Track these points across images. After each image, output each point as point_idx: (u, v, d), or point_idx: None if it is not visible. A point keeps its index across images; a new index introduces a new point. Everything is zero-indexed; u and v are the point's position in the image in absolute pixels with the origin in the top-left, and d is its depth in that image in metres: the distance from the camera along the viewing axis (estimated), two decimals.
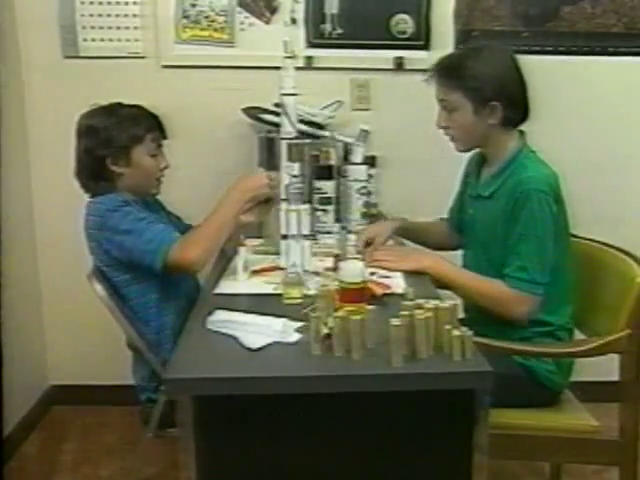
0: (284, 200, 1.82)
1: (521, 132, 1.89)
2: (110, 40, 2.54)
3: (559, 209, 1.79)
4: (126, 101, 1.91)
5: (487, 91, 1.79)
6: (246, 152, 2.54)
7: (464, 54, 1.86)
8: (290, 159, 1.80)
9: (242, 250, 1.84)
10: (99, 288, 1.79)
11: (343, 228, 2.21)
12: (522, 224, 1.76)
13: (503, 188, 1.83)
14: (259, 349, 1.40)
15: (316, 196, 2.29)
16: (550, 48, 2.59)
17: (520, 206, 1.76)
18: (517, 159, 1.85)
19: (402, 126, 2.61)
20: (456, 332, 1.35)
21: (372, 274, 1.81)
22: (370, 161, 2.34)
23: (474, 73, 1.79)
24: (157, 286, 1.84)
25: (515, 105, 1.83)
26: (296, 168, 1.80)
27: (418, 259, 1.87)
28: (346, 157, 2.37)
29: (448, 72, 1.83)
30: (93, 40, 2.54)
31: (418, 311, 1.36)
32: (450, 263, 1.87)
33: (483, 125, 1.83)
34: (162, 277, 1.80)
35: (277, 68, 1.82)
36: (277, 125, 2.00)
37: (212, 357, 1.39)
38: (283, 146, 1.84)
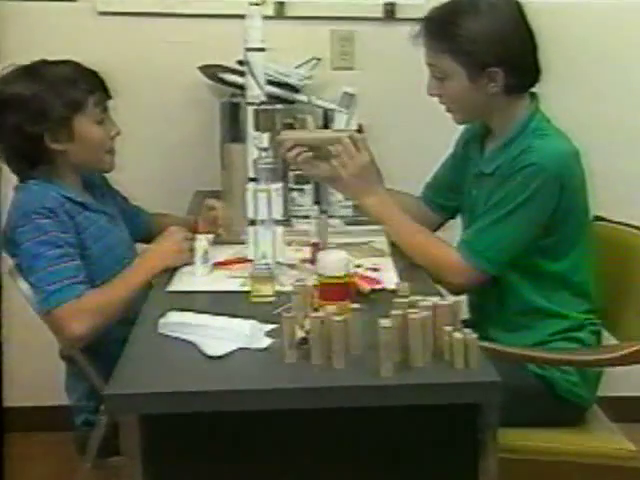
0: (252, 179, 1.83)
1: (532, 95, 1.92)
2: None
3: (570, 194, 1.82)
4: (52, 57, 1.89)
5: (484, 55, 1.81)
6: (205, 120, 2.56)
7: (457, 8, 1.85)
8: (258, 128, 1.81)
9: (200, 238, 1.85)
10: (23, 285, 1.81)
11: (323, 212, 2.21)
12: (502, 194, 1.81)
13: (507, 164, 1.85)
14: (222, 357, 1.40)
15: (291, 173, 2.30)
16: None
17: (510, 176, 1.80)
18: (527, 129, 1.87)
19: (393, 88, 2.64)
20: (458, 335, 1.36)
21: (358, 267, 1.83)
22: (355, 130, 2.33)
23: (468, 34, 1.80)
24: (95, 279, 1.85)
25: (520, 69, 1.85)
26: (265, 139, 1.81)
27: (361, 190, 1.92)
28: (326, 126, 2.39)
29: (436, 32, 1.84)
30: None
31: (412, 310, 1.37)
32: (397, 208, 1.92)
33: (481, 94, 1.85)
34: (100, 270, 1.82)
35: (241, 17, 1.83)
36: (242, 87, 2.00)
37: (164, 367, 1.40)
38: (249, 113, 1.85)
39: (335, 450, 1.36)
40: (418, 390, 1.33)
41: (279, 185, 1.81)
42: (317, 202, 2.34)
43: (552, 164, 1.79)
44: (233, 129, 2.30)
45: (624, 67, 2.70)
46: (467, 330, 1.38)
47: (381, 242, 2.06)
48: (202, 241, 1.84)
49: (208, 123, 2.49)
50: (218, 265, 1.87)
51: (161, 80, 2.60)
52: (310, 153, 1.96)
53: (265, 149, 1.81)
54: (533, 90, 1.91)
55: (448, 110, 1.92)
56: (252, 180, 1.82)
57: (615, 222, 2.05)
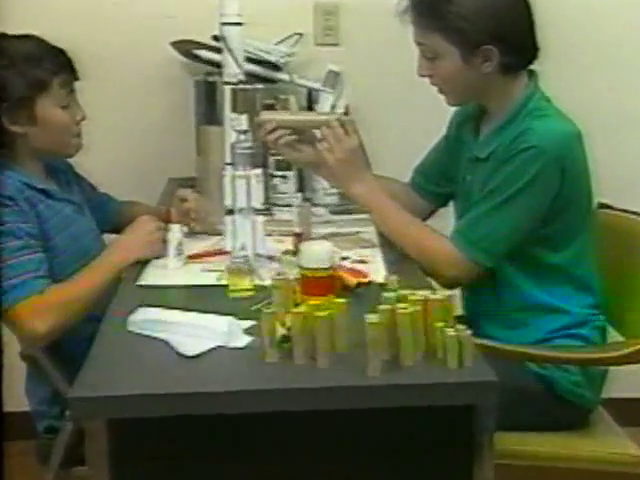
0: (229, 165, 1.83)
1: (531, 73, 1.93)
2: None
3: (572, 179, 1.83)
4: (10, 31, 1.88)
5: (478, 32, 1.81)
6: (178, 101, 2.56)
7: None
8: (236, 110, 1.82)
9: (173, 228, 1.85)
10: None
11: (307, 200, 2.24)
12: (499, 179, 1.82)
13: (504, 147, 1.86)
14: (197, 356, 1.40)
15: (272, 158, 2.30)
16: None
17: (507, 160, 1.81)
18: (525, 110, 1.88)
19: (382, 66, 2.64)
20: (451, 332, 1.37)
21: (344, 259, 1.84)
22: (342, 112, 2.34)
23: (459, 10, 1.81)
24: (59, 273, 1.85)
25: (517, 46, 1.85)
26: (244, 121, 1.81)
27: (348, 177, 1.93)
28: (310, 107, 2.40)
29: (425, 9, 1.85)
30: None
31: (402, 305, 1.38)
32: (386, 195, 1.94)
33: (476, 74, 1.86)
34: (65, 263, 1.82)
35: None
36: (218, 65, 2.01)
37: (134, 368, 1.40)
38: (227, 93, 1.85)
39: (320, 455, 1.36)
40: (408, 391, 1.33)
41: (259, 171, 1.81)
42: (300, 189, 2.35)
43: (552, 146, 1.80)
44: (209, 110, 2.30)
45: (630, 42, 2.71)
46: (461, 326, 1.39)
47: (369, 232, 2.07)
48: (175, 232, 1.85)
49: (182, 104, 2.50)
50: (193, 257, 1.87)
51: (130, 58, 2.60)
52: (293, 136, 1.97)
53: (244, 132, 1.81)
54: (531, 68, 1.92)
55: (440, 91, 1.93)
56: (230, 166, 1.82)
57: (620, 210, 2.06)
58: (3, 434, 2.16)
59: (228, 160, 1.84)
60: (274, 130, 1.95)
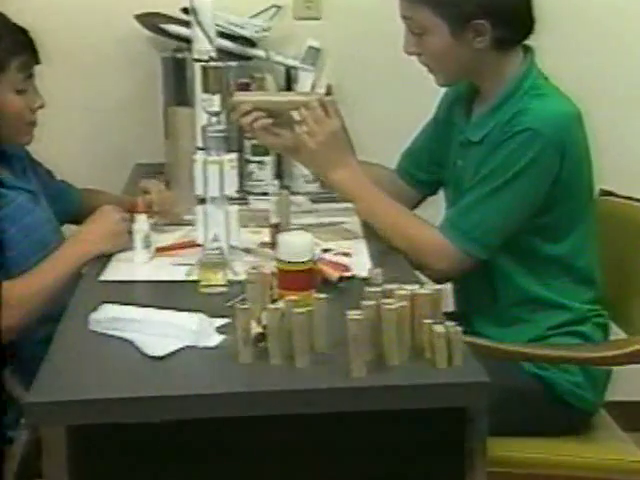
0: (201, 149, 1.83)
1: (526, 48, 1.93)
2: None
3: (572, 164, 1.84)
4: None
5: (468, 5, 1.82)
6: (144, 80, 2.55)
7: None
8: (208, 89, 1.81)
9: (140, 219, 1.85)
10: None
11: (285, 188, 2.23)
12: (493, 164, 1.83)
13: (498, 129, 1.87)
14: (164, 357, 1.40)
15: (247, 142, 2.30)
16: None
17: (502, 143, 1.82)
18: (521, 88, 1.89)
19: (366, 42, 2.64)
20: (440, 329, 1.37)
21: (326, 251, 1.85)
22: (323, 92, 2.33)
23: None
24: (13, 268, 1.85)
25: (510, 20, 1.86)
26: (216, 102, 1.81)
27: (330, 162, 1.93)
28: (289, 86, 2.40)
29: None
30: None
31: (388, 300, 1.38)
32: (371, 183, 1.94)
33: (467, 51, 1.86)
34: (20, 257, 1.83)
35: None
36: (187, 40, 2.01)
37: (96, 371, 1.40)
38: (197, 71, 1.85)
39: (299, 461, 1.36)
40: (393, 393, 1.34)
41: (233, 156, 1.81)
42: (278, 176, 2.35)
43: (551, 128, 1.81)
44: (178, 90, 2.30)
45: (634, 13, 2.71)
46: (451, 323, 1.39)
47: (352, 223, 2.07)
48: (142, 223, 1.85)
49: (148, 83, 2.49)
50: (161, 250, 1.88)
51: (91, 32, 2.59)
52: (270, 119, 1.96)
53: (216, 114, 1.81)
54: (527, 43, 1.92)
55: (429, 70, 1.93)
56: (201, 150, 1.82)
57: (624, 197, 2.07)
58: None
59: (199, 144, 1.84)
60: (249, 112, 1.95)
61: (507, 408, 1.64)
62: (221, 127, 1.80)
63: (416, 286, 1.45)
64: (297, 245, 1.54)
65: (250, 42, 2.44)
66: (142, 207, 1.89)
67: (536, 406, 1.86)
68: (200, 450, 1.34)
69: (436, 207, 2.14)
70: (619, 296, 2.00)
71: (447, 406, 1.35)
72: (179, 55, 2.36)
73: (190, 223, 1.91)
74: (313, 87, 2.25)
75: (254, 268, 1.55)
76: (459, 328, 1.38)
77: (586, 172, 1.91)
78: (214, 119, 1.80)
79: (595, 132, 1.91)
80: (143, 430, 1.32)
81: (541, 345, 1.87)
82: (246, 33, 2.43)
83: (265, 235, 1.92)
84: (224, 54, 2.09)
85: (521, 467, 1.81)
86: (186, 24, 2.12)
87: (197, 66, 1.85)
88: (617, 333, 2.01)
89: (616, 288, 1.99)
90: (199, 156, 1.80)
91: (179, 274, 1.75)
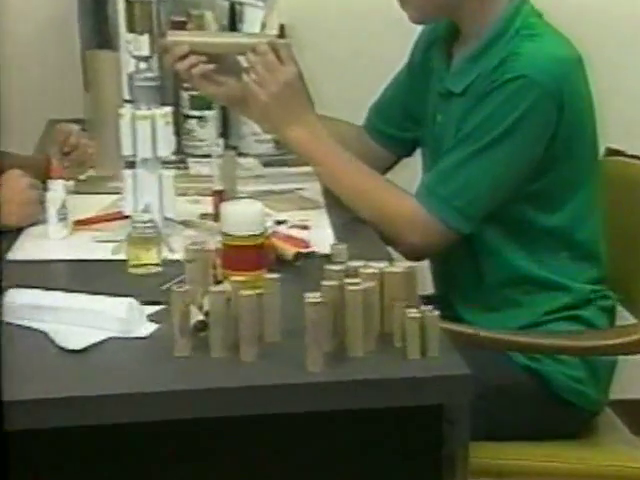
0: (127, 101, 1.83)
1: None
2: None
3: (572, 118, 1.84)
4: None
5: None
6: (57, 17, 2.53)
7: None
8: (134, 29, 1.79)
9: (54, 186, 1.83)
10: None
11: (232, 148, 2.24)
12: (478, 119, 1.83)
13: (484, 77, 1.86)
14: (85, 350, 1.40)
15: (185, 94, 2.30)
16: None
17: (488, 94, 1.82)
18: (510, 29, 1.89)
19: None
20: (413, 313, 1.37)
21: (280, 223, 1.85)
22: (275, 34, 2.31)
23: None
24: None
25: None
26: (146, 45, 1.80)
27: (285, 117, 1.93)
28: (234, 25, 2.37)
29: None
30: None
31: (352, 280, 1.38)
32: (334, 141, 1.94)
33: None
34: None
35: None
36: None
37: (3, 368, 1.33)
38: (120, 6, 1.86)
39: (251, 469, 1.37)
40: (357, 389, 1.34)
41: (168, 110, 1.81)
42: (223, 135, 2.35)
43: (546, 75, 1.81)
44: (98, 30, 2.27)
45: None
46: (427, 307, 1.39)
47: (312, 189, 2.09)
48: (58, 190, 1.83)
49: (61, 22, 2.47)
50: (81, 223, 1.87)
51: None
52: (211, 65, 1.95)
53: (145, 58, 1.80)
54: None
55: (401, 4, 1.92)
56: (128, 103, 1.82)
57: (633, 156, 2.07)
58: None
59: (126, 96, 1.85)
60: (186, 56, 1.93)
61: (495, 407, 1.67)
62: (152, 74, 1.80)
63: (386, 264, 1.45)
64: (245, 216, 1.54)
65: None
66: (58, 170, 1.87)
67: (530, 405, 1.86)
68: (134, 457, 1.35)
69: (411, 170, 2.14)
70: (627, 274, 2.01)
71: (420, 404, 1.35)
72: None
73: (117, 191, 1.91)
74: (263, 27, 2.22)
75: (194, 244, 1.54)
76: (436, 312, 1.37)
77: (589, 127, 1.91)
78: (143, 65, 1.80)
79: (598, 81, 1.91)
80: (63, 436, 1.32)
81: (534, 332, 1.88)
82: None
83: (207, 205, 1.92)
84: None
85: (511, 476, 1.82)
86: None
87: (120, 1, 1.83)
88: (625, 318, 2.02)
89: (624, 265, 2.00)
90: (126, 110, 1.80)
91: (103, 252, 1.75)
